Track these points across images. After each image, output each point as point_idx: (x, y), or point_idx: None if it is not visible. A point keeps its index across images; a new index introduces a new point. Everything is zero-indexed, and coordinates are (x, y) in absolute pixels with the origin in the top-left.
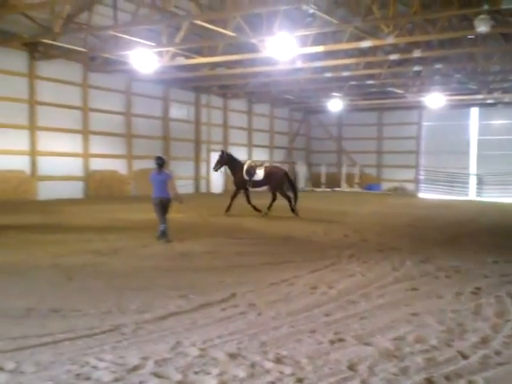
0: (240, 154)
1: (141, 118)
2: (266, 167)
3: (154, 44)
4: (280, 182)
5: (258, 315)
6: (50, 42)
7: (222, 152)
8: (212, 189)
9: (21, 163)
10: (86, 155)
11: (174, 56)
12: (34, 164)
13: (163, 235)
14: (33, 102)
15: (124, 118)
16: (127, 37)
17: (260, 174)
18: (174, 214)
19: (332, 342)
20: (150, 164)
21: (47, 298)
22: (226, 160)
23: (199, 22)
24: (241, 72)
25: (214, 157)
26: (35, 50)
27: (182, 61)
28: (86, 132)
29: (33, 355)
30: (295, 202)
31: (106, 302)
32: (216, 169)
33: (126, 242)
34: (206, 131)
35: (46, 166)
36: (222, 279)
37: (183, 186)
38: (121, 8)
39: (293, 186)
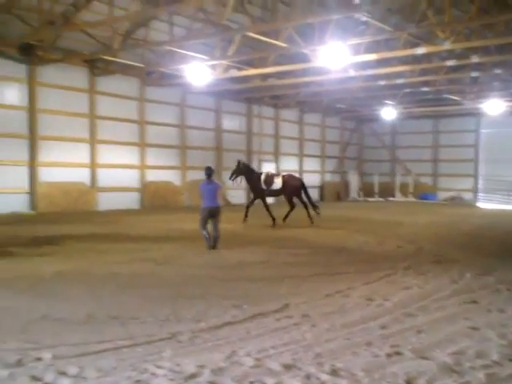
0: (291, 164)
1: (194, 130)
2: (283, 176)
3: (207, 57)
4: (297, 190)
5: (313, 326)
6: (109, 58)
7: (239, 162)
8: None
9: (81, 175)
10: (142, 167)
11: (226, 68)
12: (93, 176)
13: (215, 243)
14: (93, 117)
15: (178, 130)
16: (182, 51)
17: (278, 182)
18: (226, 224)
19: (389, 356)
20: (202, 175)
21: (106, 305)
22: (243, 170)
23: (251, 34)
24: (292, 82)
25: (266, 167)
26: (95, 66)
27: (234, 73)
28: (142, 144)
29: (94, 361)
30: (314, 209)
31: (163, 310)
32: (232, 178)
33: (181, 252)
34: (257, 141)
35: (105, 177)
36: (274, 289)
37: (233, 196)
38: (176, 23)
39: (308, 195)
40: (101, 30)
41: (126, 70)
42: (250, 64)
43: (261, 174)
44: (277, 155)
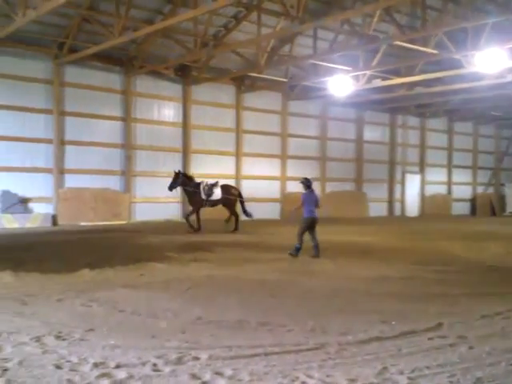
0: (438, 175)
1: (334, 142)
2: (221, 186)
3: (350, 68)
4: (235, 200)
5: (470, 349)
6: (256, 74)
7: (179, 172)
8: (407, 212)
9: None
10: (283, 178)
11: (369, 78)
12: (238, 187)
13: (317, 252)
14: (239, 131)
15: (319, 142)
16: (325, 64)
17: (217, 192)
18: (361, 238)
19: None
20: (343, 186)
21: (255, 311)
22: (183, 180)
23: (398, 43)
24: (441, 90)
25: (410, 178)
26: (242, 83)
27: (378, 83)
28: (283, 156)
29: (247, 365)
30: (247, 216)
31: (309, 320)
32: (171, 189)
33: (323, 264)
34: (401, 152)
35: (248, 188)
36: (423, 307)
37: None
38: (320, 37)
39: (243, 206)
40: (248, 48)
41: (270, 85)
42: (395, 73)
43: (199, 183)
44: (422, 166)
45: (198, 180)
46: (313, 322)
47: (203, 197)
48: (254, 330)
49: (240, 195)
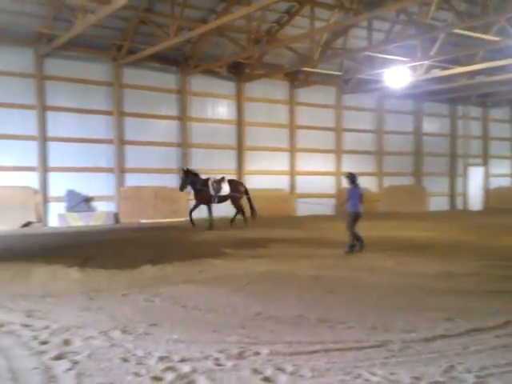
0: (503, 167)
1: (391, 135)
2: (229, 181)
3: (407, 59)
4: (242, 195)
5: None
6: (309, 69)
7: (187, 170)
8: (470, 205)
9: (282, 182)
10: (338, 173)
11: (428, 69)
12: (292, 183)
13: (352, 248)
14: (292, 126)
15: (375, 136)
16: (381, 55)
17: (225, 188)
18: (422, 233)
19: None
20: (401, 180)
21: (313, 307)
22: (191, 178)
23: (457, 31)
24: (503, 78)
25: (472, 171)
26: (295, 78)
27: (436, 73)
28: (338, 151)
29: (308, 361)
30: (252, 216)
31: (369, 317)
32: (182, 189)
33: (382, 260)
34: (462, 144)
35: (303, 184)
36: (490, 304)
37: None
38: (375, 28)
39: (250, 201)
40: (301, 42)
41: (324, 79)
42: (455, 62)
43: (207, 180)
44: (486, 158)
45: (203, 176)
46: (374, 319)
47: (212, 193)
48: (314, 327)
49: (246, 191)
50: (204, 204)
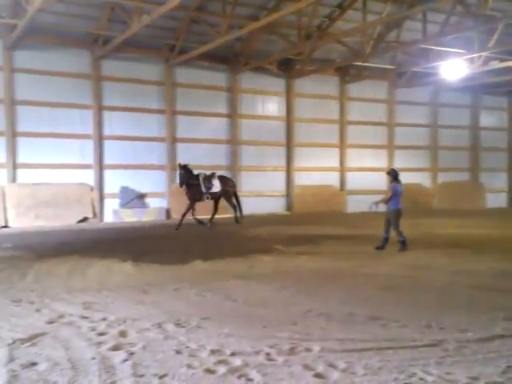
0: None
1: (446, 129)
2: (219, 177)
3: (464, 51)
4: (233, 191)
5: None
6: (361, 63)
7: (185, 165)
8: None
9: (331, 178)
10: None
11: (486, 61)
12: (342, 179)
13: (404, 245)
14: (343, 122)
15: (428, 130)
16: (436, 48)
17: (216, 184)
18: (478, 230)
19: None
20: (456, 176)
21: (365, 305)
22: (188, 174)
23: None
24: None
25: None
26: (346, 73)
27: (495, 65)
28: (390, 146)
29: (361, 358)
30: (239, 213)
31: (423, 315)
32: (182, 184)
33: (437, 258)
34: None
35: (353, 180)
36: None
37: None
38: (430, 20)
39: (237, 198)
40: (353, 36)
41: (376, 74)
42: None
43: (198, 175)
44: None
45: (195, 172)
46: (428, 317)
47: (203, 189)
48: (365, 324)
49: (234, 188)
50: (196, 200)
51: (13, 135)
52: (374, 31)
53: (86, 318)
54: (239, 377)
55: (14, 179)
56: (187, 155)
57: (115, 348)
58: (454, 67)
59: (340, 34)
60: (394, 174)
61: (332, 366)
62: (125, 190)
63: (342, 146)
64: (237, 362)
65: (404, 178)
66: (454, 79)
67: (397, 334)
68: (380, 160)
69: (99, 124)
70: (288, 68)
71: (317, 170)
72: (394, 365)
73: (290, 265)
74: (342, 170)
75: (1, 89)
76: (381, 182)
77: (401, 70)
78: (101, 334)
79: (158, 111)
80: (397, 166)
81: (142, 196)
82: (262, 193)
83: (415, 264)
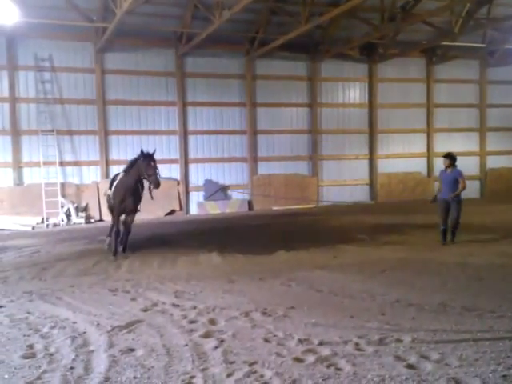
0: None
1: None
2: None
3: None
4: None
5: None
6: (449, 43)
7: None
8: None
9: (418, 165)
10: (483, 153)
11: None
12: (429, 165)
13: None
14: (430, 106)
15: None
16: None
17: None
18: None
19: None
20: None
21: (458, 295)
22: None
23: None
24: None
25: None
26: (433, 54)
27: None
28: (482, 129)
29: (455, 350)
30: None
31: None
32: None
33: None
34: None
35: (441, 166)
36: None
37: None
38: None
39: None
40: (440, 16)
41: (465, 53)
42: None
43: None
44: None
45: None
46: None
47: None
48: (460, 315)
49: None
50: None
51: (105, 134)
52: (463, 9)
53: (177, 306)
54: (328, 366)
55: (106, 175)
56: (268, 146)
57: (206, 335)
58: None
59: (426, 14)
60: (452, 159)
61: (424, 357)
62: (208, 183)
63: (430, 130)
64: (325, 351)
65: (497, 162)
66: None
67: (493, 325)
68: (471, 143)
69: (184, 120)
70: (370, 53)
71: (402, 156)
72: (492, 356)
73: (375, 254)
74: (429, 155)
75: (93, 90)
76: (472, 166)
77: (492, 48)
78: (192, 322)
79: (239, 104)
80: (490, 149)
81: (225, 188)
82: (344, 182)
83: (507, 252)
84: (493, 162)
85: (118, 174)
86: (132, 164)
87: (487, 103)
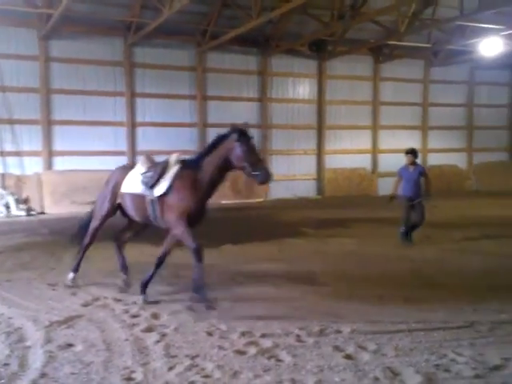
0: None
1: (483, 108)
2: None
3: (503, 27)
4: None
5: None
6: (395, 42)
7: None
8: None
9: (363, 161)
10: (424, 150)
11: None
12: (374, 161)
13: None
14: (376, 103)
15: (464, 110)
16: (473, 24)
17: None
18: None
19: None
20: (493, 157)
21: (397, 288)
22: None
23: None
24: None
25: None
26: (380, 53)
27: None
28: (424, 127)
29: (390, 340)
30: None
31: (457, 299)
32: None
33: (478, 240)
34: None
35: (385, 162)
36: None
37: None
38: None
39: None
40: (387, 15)
41: (410, 52)
42: None
43: None
44: None
45: None
46: (463, 300)
47: None
48: (397, 307)
49: None
50: None
51: (48, 124)
52: (409, 9)
53: (119, 300)
54: (269, 358)
55: (49, 167)
56: None
57: (148, 330)
58: (492, 44)
59: (374, 13)
60: (414, 154)
61: (362, 347)
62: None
63: (375, 127)
64: (267, 343)
65: (438, 159)
66: (492, 56)
67: (428, 317)
68: (414, 141)
69: (132, 111)
70: (320, 49)
71: (349, 152)
72: (426, 346)
73: (319, 248)
74: (374, 152)
75: (36, 78)
76: None
77: (437, 49)
78: (134, 316)
79: (190, 97)
80: (431, 147)
81: None
82: (293, 177)
83: (452, 247)
84: (434, 160)
85: (160, 164)
86: (214, 146)
87: (429, 102)
